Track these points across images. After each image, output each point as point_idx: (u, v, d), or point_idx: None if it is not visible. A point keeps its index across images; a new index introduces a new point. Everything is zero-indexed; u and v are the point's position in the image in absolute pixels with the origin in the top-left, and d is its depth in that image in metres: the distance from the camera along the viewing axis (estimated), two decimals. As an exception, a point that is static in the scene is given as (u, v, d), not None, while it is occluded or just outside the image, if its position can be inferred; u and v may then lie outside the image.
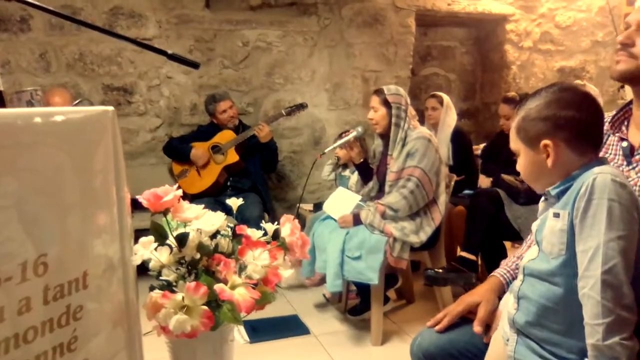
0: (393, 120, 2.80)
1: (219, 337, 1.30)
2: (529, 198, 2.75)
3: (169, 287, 1.22)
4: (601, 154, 1.29)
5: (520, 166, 1.25)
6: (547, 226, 1.14)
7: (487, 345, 1.33)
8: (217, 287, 1.18)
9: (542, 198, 1.24)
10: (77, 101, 3.28)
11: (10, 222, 0.91)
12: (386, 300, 2.99)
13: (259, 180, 3.90)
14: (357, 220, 2.75)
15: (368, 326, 2.79)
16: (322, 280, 3.10)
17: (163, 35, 4.13)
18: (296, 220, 1.42)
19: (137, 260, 1.21)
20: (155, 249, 1.23)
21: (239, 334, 2.74)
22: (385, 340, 2.77)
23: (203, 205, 1.35)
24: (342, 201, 2.98)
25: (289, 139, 4.55)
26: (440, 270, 2.77)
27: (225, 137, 3.80)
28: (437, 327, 1.43)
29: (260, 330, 2.81)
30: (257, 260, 1.27)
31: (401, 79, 4.73)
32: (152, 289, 1.24)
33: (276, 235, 1.37)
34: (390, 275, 2.95)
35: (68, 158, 1.01)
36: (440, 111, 3.88)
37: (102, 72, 4.06)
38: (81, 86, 4.02)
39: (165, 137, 4.18)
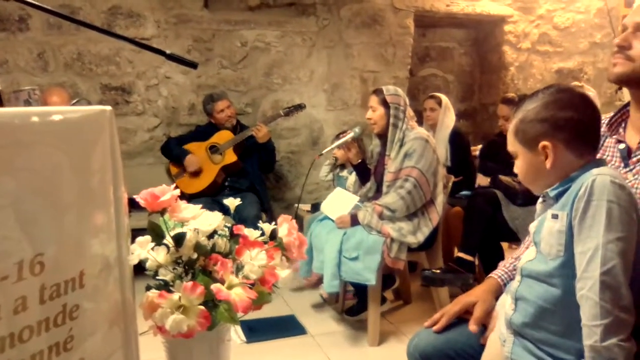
0: (391, 120, 2.80)
1: (215, 337, 1.30)
2: (527, 199, 2.75)
3: (165, 286, 1.22)
4: (598, 156, 1.29)
5: (518, 168, 1.25)
6: (546, 227, 1.14)
7: (483, 346, 1.33)
8: (214, 287, 1.18)
9: (540, 199, 1.24)
10: (74, 101, 3.27)
11: (7, 221, 0.90)
12: (383, 300, 2.99)
13: (257, 180, 3.90)
14: (354, 220, 2.75)
15: (365, 326, 2.79)
16: (320, 281, 3.10)
17: (161, 35, 4.13)
18: (294, 221, 1.42)
19: (134, 260, 1.21)
20: (152, 248, 1.23)
21: (236, 333, 2.73)
22: (382, 340, 2.77)
23: (201, 205, 1.35)
24: (339, 202, 2.99)
25: (287, 139, 4.55)
26: (438, 271, 2.77)
27: (223, 137, 3.80)
28: (434, 328, 1.43)
29: (257, 330, 2.80)
30: (254, 260, 1.27)
31: (399, 80, 4.74)
32: (148, 288, 1.23)
33: (273, 235, 1.37)
34: (387, 276, 2.95)
35: (65, 157, 1.01)
36: (439, 112, 3.89)
37: (100, 71, 4.05)
38: (79, 86, 4.01)
39: (163, 137, 4.18)
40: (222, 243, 1.31)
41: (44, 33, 3.89)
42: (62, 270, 1.00)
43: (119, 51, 4.06)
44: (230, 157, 3.74)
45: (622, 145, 1.32)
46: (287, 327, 2.92)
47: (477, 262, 2.98)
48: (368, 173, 3.07)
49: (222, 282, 1.22)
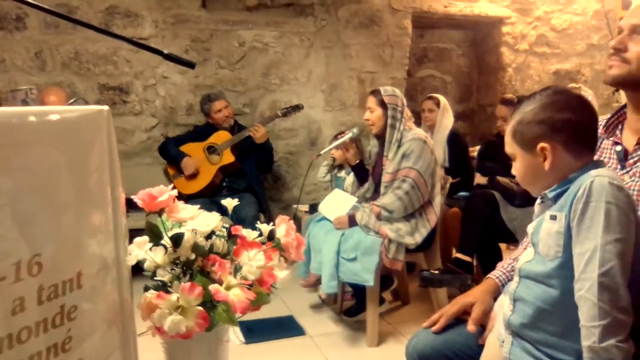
0: (389, 121, 2.80)
1: (214, 338, 1.29)
2: (525, 200, 2.76)
3: (163, 287, 1.22)
4: (595, 158, 1.29)
5: (516, 170, 1.25)
6: (544, 228, 1.14)
7: (482, 347, 1.33)
8: (212, 287, 1.18)
9: (539, 200, 1.24)
10: (72, 100, 3.27)
11: (5, 221, 0.90)
12: (381, 301, 2.99)
13: (255, 180, 3.90)
14: (352, 221, 2.75)
15: (363, 327, 2.79)
16: (318, 282, 3.10)
17: (159, 34, 4.12)
18: (292, 221, 1.42)
19: (131, 261, 1.21)
20: (150, 249, 1.23)
21: (234, 334, 2.73)
22: (381, 341, 2.77)
23: (199, 206, 1.35)
24: (337, 202, 2.98)
25: (284, 139, 4.54)
26: (436, 272, 2.77)
27: (221, 137, 3.79)
28: (433, 328, 1.43)
29: (255, 331, 2.80)
30: (253, 261, 1.26)
31: (397, 81, 4.74)
32: (146, 289, 1.23)
33: (271, 236, 1.37)
34: (385, 277, 2.96)
35: (63, 157, 1.01)
36: (437, 113, 3.89)
37: (98, 71, 4.05)
38: (77, 85, 4.01)
39: (160, 137, 4.17)
40: (220, 244, 1.31)
41: (41, 32, 3.89)
42: (60, 271, 1.00)
43: (116, 51, 4.05)
44: (228, 157, 3.74)
45: (618, 147, 1.32)
46: (286, 327, 2.92)
47: (475, 263, 2.98)
48: (366, 174, 3.06)
49: (220, 282, 1.21)
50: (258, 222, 1.45)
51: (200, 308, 1.17)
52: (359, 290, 2.95)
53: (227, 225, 1.37)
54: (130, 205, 1.27)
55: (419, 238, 2.73)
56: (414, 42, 5.01)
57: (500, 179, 3.01)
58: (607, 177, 1.06)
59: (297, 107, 3.86)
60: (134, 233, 1.26)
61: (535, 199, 1.26)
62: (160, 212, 1.26)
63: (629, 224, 1.05)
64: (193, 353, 1.28)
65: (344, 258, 2.64)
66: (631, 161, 1.28)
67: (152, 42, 4.03)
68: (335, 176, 3.79)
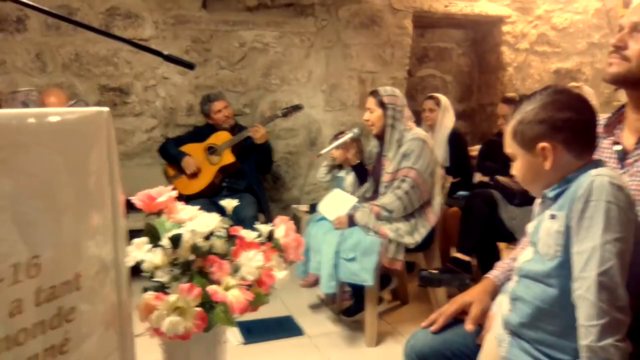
0: (388, 121, 2.80)
1: (212, 339, 1.30)
2: (524, 199, 2.76)
3: (162, 288, 1.22)
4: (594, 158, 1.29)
5: (516, 170, 1.25)
6: (544, 227, 1.14)
7: (480, 346, 1.34)
8: (211, 288, 1.18)
9: (539, 200, 1.24)
10: (72, 102, 3.27)
11: (4, 223, 0.90)
12: (379, 301, 2.99)
13: (255, 181, 3.90)
14: (352, 221, 2.75)
15: (362, 327, 2.79)
16: (317, 281, 3.10)
17: (160, 35, 4.12)
18: (291, 222, 1.42)
19: (130, 262, 1.21)
20: (149, 250, 1.23)
21: (233, 335, 2.73)
22: (380, 341, 2.77)
23: (198, 207, 1.35)
24: (337, 202, 2.98)
25: (284, 140, 4.54)
26: (435, 271, 2.77)
27: (221, 138, 3.79)
28: (432, 328, 1.44)
29: (254, 331, 2.80)
30: (251, 261, 1.27)
31: (398, 80, 4.74)
32: (145, 290, 1.23)
33: (270, 236, 1.37)
34: (383, 276, 2.95)
35: (62, 159, 1.01)
36: (438, 112, 3.88)
37: (98, 72, 4.05)
38: (77, 86, 4.01)
39: (161, 138, 4.17)
40: (219, 244, 1.31)
41: (41, 34, 3.89)
42: (59, 273, 1.00)
43: (116, 52, 4.05)
44: (228, 158, 3.74)
45: (618, 147, 1.32)
46: (285, 328, 2.92)
47: (474, 263, 2.98)
48: (366, 174, 3.07)
49: (219, 283, 1.22)
50: (258, 222, 1.45)
51: (199, 309, 1.17)
52: (357, 290, 2.95)
53: (226, 226, 1.37)
54: (130, 206, 1.27)
55: (418, 238, 2.73)
56: (415, 41, 5.01)
57: (500, 178, 3.01)
58: (607, 177, 1.06)
59: (297, 107, 3.85)
60: (133, 234, 1.26)
61: (535, 198, 1.26)
62: (159, 213, 1.26)
63: (628, 224, 1.05)
64: (191, 354, 1.28)
65: (343, 258, 2.64)
66: (630, 160, 1.28)
67: (153, 43, 4.03)
68: (335, 176, 3.79)
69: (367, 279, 2.61)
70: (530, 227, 1.24)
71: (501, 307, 1.28)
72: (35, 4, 1.25)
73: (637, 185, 1.24)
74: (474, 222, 2.85)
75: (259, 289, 1.28)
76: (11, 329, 0.91)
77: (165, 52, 1.38)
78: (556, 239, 1.11)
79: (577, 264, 1.06)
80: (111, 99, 4.08)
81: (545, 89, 1.20)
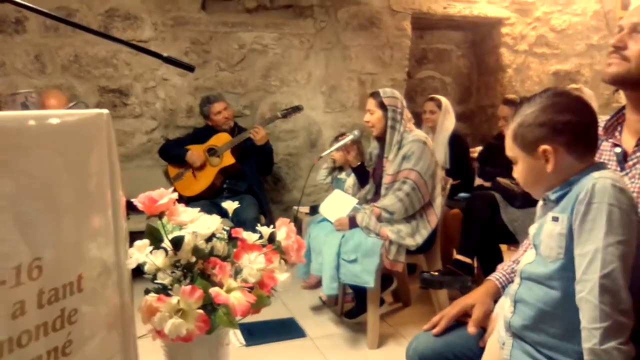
0: (389, 123, 2.80)
1: (214, 341, 1.29)
2: (525, 201, 2.75)
3: (164, 290, 1.21)
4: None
5: (517, 173, 1.24)
6: (546, 230, 1.14)
7: (482, 349, 1.33)
8: (213, 290, 1.18)
9: (541, 202, 1.24)
10: (72, 103, 3.26)
11: (5, 225, 0.90)
12: (380, 302, 2.99)
13: (255, 182, 3.90)
14: (353, 223, 2.75)
15: (364, 329, 2.79)
16: (318, 283, 3.10)
17: (159, 37, 4.12)
18: (292, 224, 1.42)
19: (132, 264, 1.21)
20: (151, 252, 1.23)
21: (235, 337, 2.73)
22: (382, 343, 2.77)
23: (199, 209, 1.35)
24: (338, 204, 2.98)
25: (285, 141, 4.54)
26: (436, 273, 2.77)
27: (221, 139, 3.80)
28: (433, 331, 1.43)
29: (256, 334, 2.80)
30: (253, 263, 1.26)
31: (397, 82, 4.74)
32: (147, 292, 1.23)
33: (272, 238, 1.37)
34: (384, 277, 2.95)
35: (63, 161, 1.01)
36: (439, 114, 3.88)
37: (98, 74, 4.05)
38: (77, 88, 4.01)
39: (161, 140, 4.17)
40: (220, 246, 1.31)
41: (41, 35, 3.89)
42: (61, 274, 1.00)
43: (116, 53, 4.05)
44: (228, 159, 3.74)
45: (618, 149, 1.32)
46: (287, 330, 2.91)
47: (475, 265, 2.98)
48: (367, 175, 3.07)
49: (221, 285, 1.21)
50: (259, 223, 1.45)
51: (201, 311, 1.17)
52: (359, 292, 2.95)
53: (227, 228, 1.37)
54: (131, 208, 1.27)
55: (419, 239, 2.73)
56: (414, 43, 5.02)
57: (501, 180, 3.01)
58: (609, 179, 1.06)
59: (297, 109, 3.85)
60: (134, 236, 1.25)
61: (536, 200, 1.26)
62: (160, 215, 1.26)
63: (631, 226, 1.05)
64: (194, 356, 1.28)
65: (345, 260, 2.64)
66: (630, 163, 1.28)
67: (152, 45, 4.03)
68: (336, 178, 3.79)
69: (369, 280, 2.60)
70: (532, 229, 1.24)
71: (503, 310, 1.27)
72: (33, 6, 1.25)
73: (638, 188, 1.24)
74: (475, 224, 2.84)
75: (260, 291, 1.27)
76: (14, 331, 0.90)
77: (165, 54, 1.37)
78: (558, 241, 1.11)
79: (579, 266, 1.06)
80: (111, 100, 4.08)
81: (545, 91, 1.20)
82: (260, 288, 1.27)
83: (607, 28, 5.27)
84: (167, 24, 4.13)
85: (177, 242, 1.23)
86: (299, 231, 1.49)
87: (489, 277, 1.49)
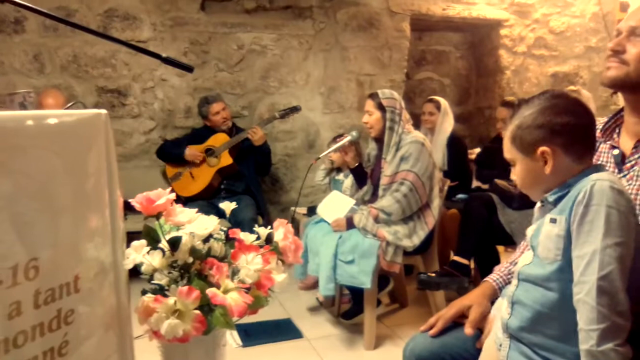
0: (387, 124, 2.80)
1: (211, 342, 1.29)
2: (523, 203, 2.76)
3: (161, 291, 1.21)
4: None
5: (516, 175, 1.24)
6: (544, 231, 1.14)
7: (479, 350, 1.33)
8: (210, 291, 1.18)
9: (539, 203, 1.24)
10: (70, 103, 3.25)
11: (2, 225, 0.90)
12: (377, 303, 2.99)
13: (253, 183, 3.90)
14: (350, 224, 2.75)
15: (361, 330, 2.79)
16: (315, 284, 3.10)
17: (158, 37, 4.12)
18: (289, 225, 1.42)
19: (129, 264, 1.21)
20: (148, 252, 1.23)
21: (232, 338, 2.73)
22: (378, 344, 2.77)
23: (197, 209, 1.34)
24: (335, 205, 2.98)
25: (283, 142, 4.54)
26: (433, 275, 2.77)
27: (219, 140, 3.80)
28: (430, 332, 1.43)
29: (253, 334, 2.80)
30: (250, 264, 1.26)
31: (396, 83, 4.74)
32: (144, 292, 1.23)
33: (269, 239, 1.37)
34: (381, 278, 2.95)
35: (60, 161, 1.01)
36: (437, 116, 3.88)
37: (96, 74, 4.04)
38: (75, 88, 4.00)
39: (159, 140, 4.17)
40: (217, 247, 1.31)
41: (39, 35, 3.89)
42: (57, 275, 1.00)
43: (114, 53, 4.05)
44: (226, 159, 3.74)
45: (616, 151, 1.32)
46: (283, 330, 2.91)
47: (472, 266, 2.99)
48: (365, 176, 3.07)
49: (218, 286, 1.21)
50: (256, 224, 1.45)
51: (198, 312, 1.17)
52: (356, 293, 2.95)
53: (225, 229, 1.37)
54: (128, 208, 1.26)
55: (416, 241, 2.73)
56: (412, 44, 5.02)
57: (499, 181, 3.01)
58: (608, 181, 1.06)
59: (295, 109, 3.85)
60: (132, 236, 1.25)
61: (533, 201, 1.26)
62: (158, 216, 1.26)
63: (629, 228, 1.05)
64: (190, 357, 1.28)
65: (342, 260, 2.64)
66: (628, 165, 1.28)
67: (151, 45, 4.03)
68: (334, 179, 3.79)
69: (366, 281, 2.61)
70: (529, 230, 1.24)
71: (500, 311, 1.27)
72: (33, 6, 1.25)
73: (635, 190, 1.24)
74: (473, 225, 2.85)
75: (257, 292, 1.27)
76: (10, 331, 0.90)
77: (164, 55, 1.38)
78: (556, 242, 1.11)
79: (577, 268, 1.06)
80: (109, 100, 4.08)
81: (543, 93, 1.20)
82: (257, 289, 1.27)
83: (606, 30, 5.28)
84: (166, 25, 4.13)
85: (175, 243, 1.23)
86: (297, 232, 1.48)
87: (485, 279, 1.49)
